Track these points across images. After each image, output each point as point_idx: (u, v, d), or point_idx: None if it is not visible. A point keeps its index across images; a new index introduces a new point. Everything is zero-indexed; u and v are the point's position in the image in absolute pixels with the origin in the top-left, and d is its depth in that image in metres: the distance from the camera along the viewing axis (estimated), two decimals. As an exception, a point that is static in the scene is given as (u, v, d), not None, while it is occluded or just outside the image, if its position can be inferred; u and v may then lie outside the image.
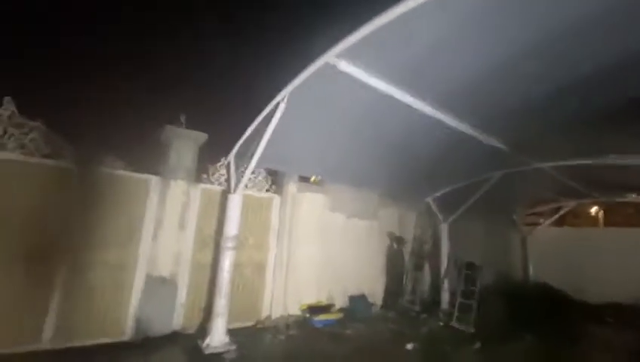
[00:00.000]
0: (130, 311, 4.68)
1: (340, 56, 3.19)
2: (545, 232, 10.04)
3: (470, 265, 6.98)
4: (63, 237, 4.32)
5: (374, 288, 7.47)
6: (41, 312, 4.09)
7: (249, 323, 5.63)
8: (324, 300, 6.58)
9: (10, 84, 4.24)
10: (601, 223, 15.17)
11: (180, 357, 4.29)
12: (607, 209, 15.25)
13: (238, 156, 5.17)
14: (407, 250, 8.25)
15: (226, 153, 5.39)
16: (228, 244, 4.79)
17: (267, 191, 6.30)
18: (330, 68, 3.28)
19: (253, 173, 5.44)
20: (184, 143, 5.33)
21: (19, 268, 3.99)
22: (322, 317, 6.00)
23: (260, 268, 6.04)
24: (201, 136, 5.45)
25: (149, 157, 5.29)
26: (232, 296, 4.90)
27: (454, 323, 6.37)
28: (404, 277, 7.93)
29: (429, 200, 8.05)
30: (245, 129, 4.72)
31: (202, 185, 5.54)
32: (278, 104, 3.98)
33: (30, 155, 4.21)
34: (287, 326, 5.62)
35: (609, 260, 8.57)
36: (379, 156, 5.73)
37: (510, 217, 10.08)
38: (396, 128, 4.81)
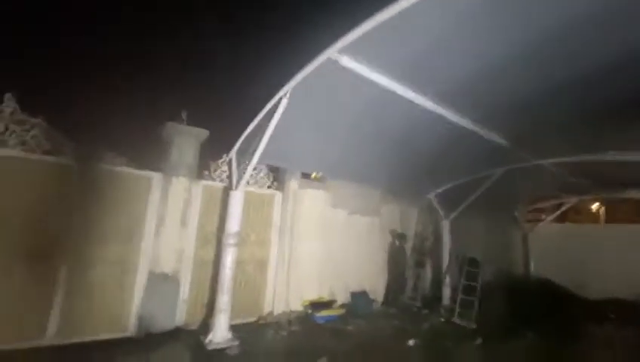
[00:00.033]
0: (133, 307, 4.70)
1: (342, 51, 3.17)
2: (546, 229, 10.03)
3: (472, 262, 6.99)
4: (65, 234, 4.33)
5: (376, 284, 7.49)
6: (45, 309, 4.11)
7: (251, 319, 5.66)
8: (325, 296, 6.59)
9: (11, 82, 4.22)
10: (602, 220, 15.16)
11: (183, 352, 4.31)
12: (608, 205, 15.23)
13: (240, 152, 5.16)
14: (409, 246, 8.26)
15: (228, 149, 5.38)
16: (230, 241, 4.79)
17: (269, 187, 6.29)
18: (332, 63, 3.27)
19: (254, 169, 5.44)
20: (185, 140, 5.33)
21: (22, 265, 4.00)
22: (324, 313, 6.02)
23: (262, 264, 6.05)
24: (203, 133, 5.44)
25: (151, 154, 5.28)
26: (234, 293, 4.91)
27: (456, 320, 6.39)
28: (406, 273, 7.94)
29: (431, 196, 8.04)
30: (247, 125, 4.70)
31: (204, 182, 5.54)
32: (280, 100, 3.96)
33: (31, 152, 4.21)
34: (290, 322, 5.64)
35: (610, 256, 8.55)
36: (380, 152, 5.72)
37: (512, 214, 10.06)
38: (398, 124, 4.80)
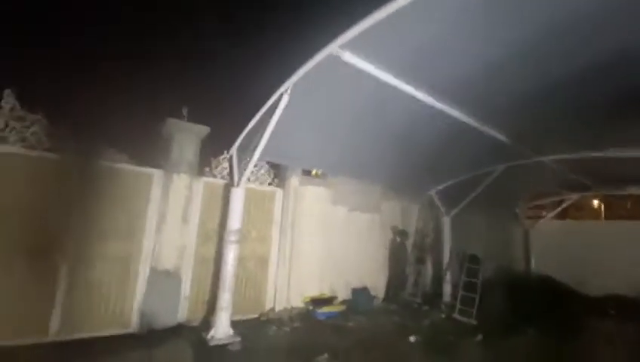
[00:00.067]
0: (135, 303, 4.71)
1: (343, 47, 3.16)
2: (547, 225, 10.04)
3: (472, 258, 7.00)
4: (66, 231, 4.32)
5: (376, 281, 7.50)
6: (47, 305, 4.11)
7: (252, 316, 5.67)
8: (326, 293, 6.61)
9: (11, 78, 4.20)
10: (602, 216, 15.19)
11: (186, 348, 4.32)
12: (608, 202, 15.26)
13: (241, 149, 5.15)
14: (410, 243, 8.26)
15: (229, 146, 5.37)
16: (231, 238, 4.79)
17: (269, 184, 6.29)
18: (334, 59, 3.25)
19: (255, 166, 5.43)
20: (186, 136, 5.31)
21: (23, 262, 4.00)
22: (325, 309, 6.04)
23: (263, 261, 6.06)
24: (203, 130, 5.42)
25: (151, 151, 5.27)
26: (236, 289, 4.93)
27: (456, 316, 6.41)
28: (407, 270, 7.96)
29: (432, 193, 8.04)
30: (247, 121, 4.69)
31: (205, 179, 5.53)
32: (281, 96, 3.94)
33: (32, 149, 4.19)
34: (291, 319, 5.65)
35: (611, 253, 8.56)
36: (381, 149, 5.71)
37: (512, 210, 10.07)
38: (399, 120, 4.79)
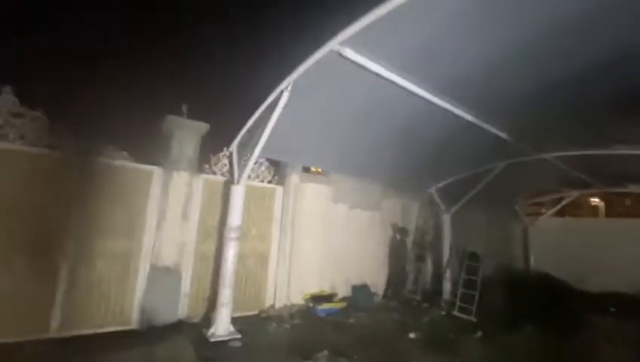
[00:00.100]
0: (135, 300, 4.72)
1: (344, 43, 3.14)
2: (546, 223, 10.05)
3: (472, 256, 7.02)
4: (67, 228, 4.32)
5: (377, 278, 7.52)
6: (48, 302, 4.12)
7: (253, 313, 5.68)
8: (327, 290, 6.62)
9: (11, 75, 4.18)
10: (602, 214, 15.21)
11: (186, 345, 4.32)
12: (608, 200, 15.27)
13: (241, 146, 5.13)
14: (410, 240, 8.27)
15: (228, 143, 5.35)
16: (231, 235, 4.79)
17: (270, 181, 6.28)
18: (335, 55, 3.23)
19: (255, 163, 5.41)
20: (186, 133, 5.29)
21: (23, 258, 4.00)
22: (325, 306, 6.05)
23: (263, 258, 6.07)
24: (203, 126, 5.40)
25: (151, 148, 5.26)
26: (236, 286, 4.93)
27: (456, 313, 6.42)
28: (407, 267, 7.97)
29: (432, 190, 8.03)
30: (247, 118, 4.67)
31: (204, 176, 5.52)
32: (281, 93, 3.92)
33: (31, 146, 4.18)
34: (291, 315, 5.67)
35: (610, 251, 8.59)
36: (382, 146, 5.69)
37: (512, 207, 10.08)
38: (400, 117, 4.78)
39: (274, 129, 4.34)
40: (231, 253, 4.75)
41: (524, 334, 5.43)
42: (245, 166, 4.84)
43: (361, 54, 3.30)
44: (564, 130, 5.04)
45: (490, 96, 4.14)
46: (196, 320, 5.08)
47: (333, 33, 3.04)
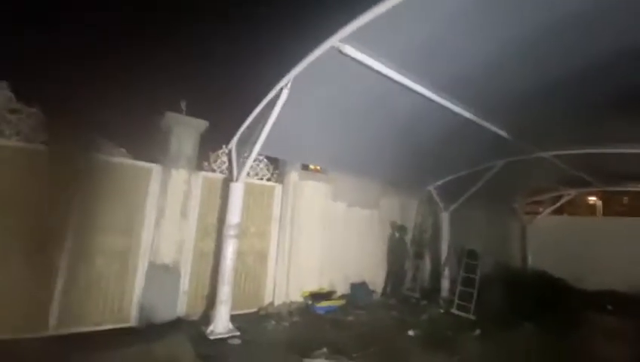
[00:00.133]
0: (134, 297, 4.71)
1: (344, 40, 3.12)
2: (544, 221, 10.09)
3: (470, 254, 7.03)
4: (65, 225, 4.29)
5: (375, 276, 7.53)
6: (46, 299, 4.10)
7: (252, 310, 5.69)
8: (325, 287, 6.63)
9: (7, 71, 4.14)
10: (599, 212, 15.27)
11: (185, 342, 4.31)
12: (606, 198, 15.34)
13: (240, 143, 5.11)
14: (409, 238, 8.29)
15: (227, 140, 5.32)
16: (230, 232, 4.78)
17: (269, 179, 6.26)
18: (335, 52, 3.21)
19: (254, 160, 5.39)
20: (185, 130, 5.26)
21: (21, 256, 3.97)
22: (324, 303, 6.06)
23: (262, 256, 6.06)
24: (202, 124, 5.37)
25: (150, 145, 5.23)
26: (235, 284, 4.92)
27: (454, 311, 6.44)
28: (405, 265, 7.99)
29: (431, 188, 8.04)
30: (247, 116, 4.64)
31: (203, 173, 5.50)
32: (281, 90, 3.90)
33: (28, 142, 4.14)
34: (290, 313, 5.67)
35: (608, 249, 8.63)
36: (381, 143, 5.69)
37: (511, 206, 10.10)
38: (399, 115, 4.77)
39: (273, 126, 4.31)
40: (230, 250, 4.74)
41: (522, 332, 5.45)
42: (244, 163, 4.83)
43: (362, 51, 3.28)
44: (564, 129, 5.06)
45: (490, 95, 4.14)
46: (195, 317, 5.08)
47: (334, 30, 3.02)
